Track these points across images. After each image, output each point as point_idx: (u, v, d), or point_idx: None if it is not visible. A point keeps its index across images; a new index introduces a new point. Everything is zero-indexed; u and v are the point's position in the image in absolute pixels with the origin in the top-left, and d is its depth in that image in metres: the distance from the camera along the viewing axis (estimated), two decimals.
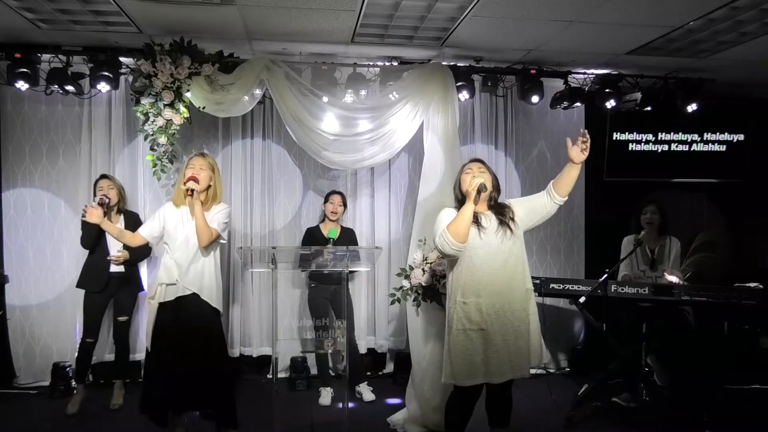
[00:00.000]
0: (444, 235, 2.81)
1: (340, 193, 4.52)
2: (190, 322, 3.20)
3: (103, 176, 4.23)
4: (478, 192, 2.85)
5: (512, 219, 2.94)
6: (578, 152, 2.90)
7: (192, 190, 3.16)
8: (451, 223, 2.83)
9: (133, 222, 4.17)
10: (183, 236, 3.22)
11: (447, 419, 3.03)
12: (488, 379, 2.83)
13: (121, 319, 4.18)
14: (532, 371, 5.15)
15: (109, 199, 4.00)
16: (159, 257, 4.50)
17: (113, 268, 4.10)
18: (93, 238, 4.07)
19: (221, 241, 3.36)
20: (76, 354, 4.22)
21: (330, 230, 4.04)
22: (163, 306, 3.20)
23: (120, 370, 4.30)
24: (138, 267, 4.34)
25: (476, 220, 2.89)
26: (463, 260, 2.88)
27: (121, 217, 4.19)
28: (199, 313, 3.23)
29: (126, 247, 4.05)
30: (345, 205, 4.51)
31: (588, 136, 2.90)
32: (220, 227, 3.28)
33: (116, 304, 4.20)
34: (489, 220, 2.93)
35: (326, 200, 4.46)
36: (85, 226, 4.10)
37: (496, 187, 3.05)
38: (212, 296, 3.27)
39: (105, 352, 4.57)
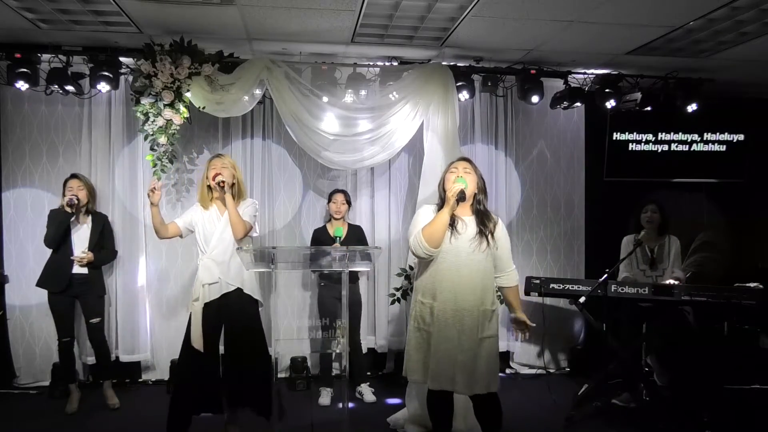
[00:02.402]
0: (418, 237, 2.76)
1: (343, 191, 4.48)
2: (236, 318, 3.33)
3: (73, 176, 4.13)
4: (457, 200, 2.76)
5: (491, 234, 2.84)
6: (519, 324, 2.98)
7: (223, 183, 3.30)
8: (427, 227, 2.76)
9: (102, 224, 4.13)
10: (217, 235, 3.34)
11: (430, 417, 3.06)
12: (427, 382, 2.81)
13: (93, 321, 4.07)
14: (532, 371, 5.18)
15: (79, 200, 3.96)
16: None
17: (76, 270, 4.00)
18: (60, 236, 3.94)
19: (254, 234, 3.50)
20: (58, 356, 4.17)
21: (336, 229, 3.97)
22: (208, 306, 3.28)
23: (105, 371, 4.22)
24: (102, 270, 4.24)
25: (452, 223, 2.79)
26: (430, 261, 2.83)
27: (90, 218, 4.11)
28: (243, 309, 3.37)
29: (94, 248, 4.02)
30: (349, 203, 4.48)
31: (530, 329, 2.99)
32: (252, 220, 3.42)
33: (84, 307, 4.09)
34: (466, 226, 2.83)
35: (329, 200, 4.44)
36: (53, 222, 3.96)
37: (483, 190, 2.93)
38: (254, 289, 3.41)
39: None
